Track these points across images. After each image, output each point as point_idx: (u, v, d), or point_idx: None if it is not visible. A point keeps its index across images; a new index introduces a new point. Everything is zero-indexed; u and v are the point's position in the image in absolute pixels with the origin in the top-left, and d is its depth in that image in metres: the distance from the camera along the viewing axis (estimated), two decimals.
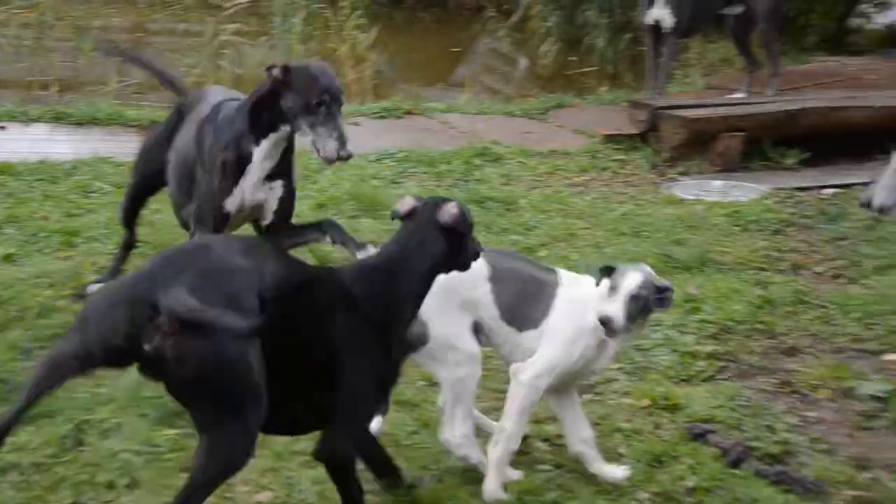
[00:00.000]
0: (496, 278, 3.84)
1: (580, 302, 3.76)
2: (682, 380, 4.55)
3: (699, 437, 4.09)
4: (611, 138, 8.03)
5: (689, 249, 5.86)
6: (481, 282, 3.84)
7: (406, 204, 3.66)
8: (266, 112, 4.40)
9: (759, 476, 3.85)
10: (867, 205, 4.60)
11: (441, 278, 3.69)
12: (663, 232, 6.19)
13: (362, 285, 3.54)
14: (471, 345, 3.79)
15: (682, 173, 7.49)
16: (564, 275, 3.88)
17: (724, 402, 4.33)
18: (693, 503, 3.73)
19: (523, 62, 13.58)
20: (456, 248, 3.70)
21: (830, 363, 4.72)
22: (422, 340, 3.76)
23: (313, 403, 3.41)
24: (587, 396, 4.43)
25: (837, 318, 5.19)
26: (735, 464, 3.93)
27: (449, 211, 3.70)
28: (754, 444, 4.06)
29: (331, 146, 4.28)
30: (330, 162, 4.40)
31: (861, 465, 3.98)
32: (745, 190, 7.03)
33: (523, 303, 3.83)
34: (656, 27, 8.70)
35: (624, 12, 12.51)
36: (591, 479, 3.83)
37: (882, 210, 4.58)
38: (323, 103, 4.26)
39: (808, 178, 7.33)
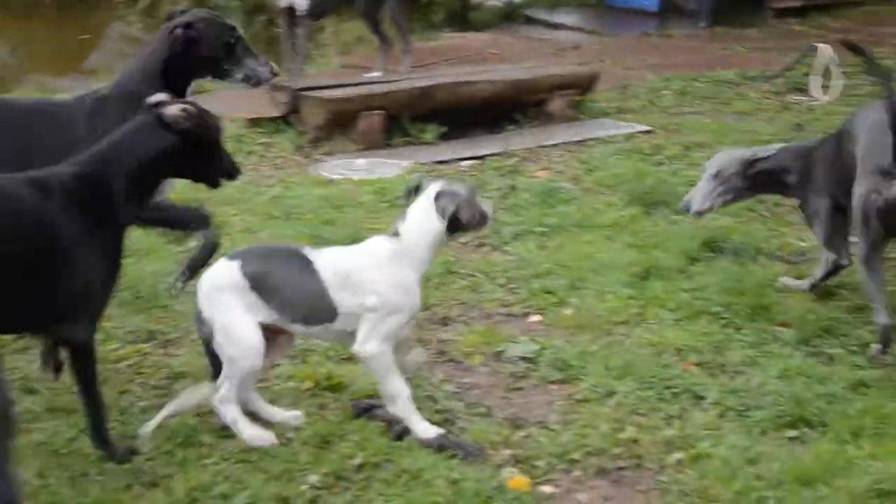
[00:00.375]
0: (258, 287, 3.94)
1: (369, 267, 3.99)
2: (343, 359, 4.61)
3: (364, 413, 4.18)
4: (254, 122, 8.00)
5: (340, 229, 5.94)
6: (245, 293, 3.93)
7: (157, 97, 3.89)
8: (174, 73, 4.57)
9: (422, 446, 3.98)
10: (687, 210, 5.36)
11: (216, 282, 3.92)
12: (313, 213, 6.25)
13: (79, 180, 3.72)
14: (252, 338, 3.93)
15: (328, 153, 7.58)
16: (316, 255, 4.01)
17: None
18: (362, 479, 3.81)
19: None
20: (193, 154, 3.84)
21: (481, 329, 4.93)
22: (213, 337, 3.95)
23: (48, 300, 3.66)
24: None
25: (484, 285, 5.42)
26: (400, 436, 4.03)
27: (170, 108, 3.81)
28: None
29: (263, 69, 4.75)
30: (267, 81, 4.88)
31: (515, 424, 4.19)
32: (389, 166, 7.20)
33: (299, 303, 3.97)
34: (291, 9, 8.74)
35: None
36: (261, 467, 3.85)
37: (698, 214, 5.33)
38: (237, 38, 4.65)
39: (447, 151, 7.59)
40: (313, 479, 3.79)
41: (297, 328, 4.04)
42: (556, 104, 8.29)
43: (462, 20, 13.14)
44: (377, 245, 4.07)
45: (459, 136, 7.89)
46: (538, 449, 4.01)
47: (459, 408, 4.29)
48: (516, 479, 3.82)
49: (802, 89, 9.18)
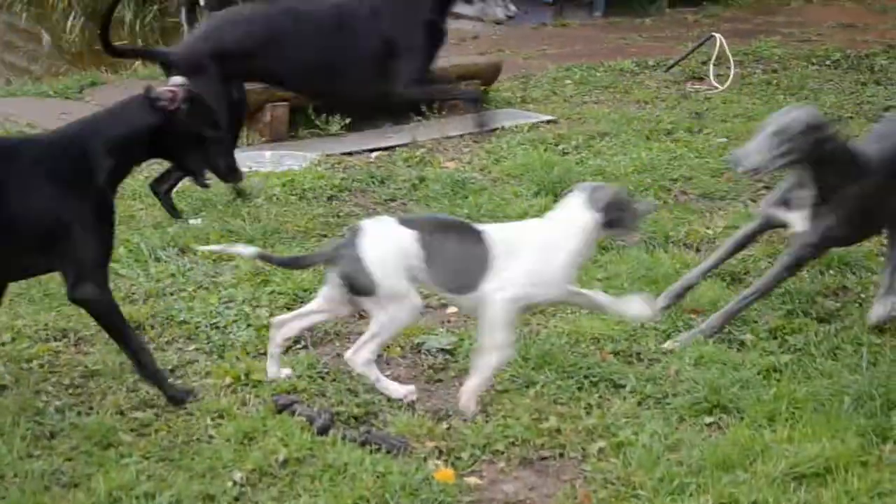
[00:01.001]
0: (430, 255, 4.14)
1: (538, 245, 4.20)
2: (262, 354, 4.57)
3: (285, 408, 4.15)
4: None
5: (252, 222, 5.90)
6: (415, 259, 4.12)
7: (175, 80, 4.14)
8: None
9: (346, 440, 3.96)
10: (735, 167, 4.69)
11: (390, 246, 4.08)
12: (223, 206, 6.18)
13: (54, 145, 3.97)
14: (412, 300, 4.16)
15: None
16: (493, 232, 4.25)
17: (304, 372, 4.42)
18: (287, 475, 3.78)
19: (46, 38, 12.97)
20: (178, 139, 4.00)
21: None
22: (369, 291, 4.11)
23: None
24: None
25: None
26: (322, 431, 4.02)
27: (174, 82, 4.06)
28: (339, 409, 4.18)
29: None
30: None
31: (438, 416, 4.20)
32: (296, 158, 7.15)
33: (460, 272, 4.18)
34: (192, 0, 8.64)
35: None
36: (184, 465, 3.80)
37: (748, 172, 4.70)
38: None
39: (354, 142, 7.56)
40: (238, 476, 3.76)
41: (448, 296, 4.35)
42: None
43: None
44: (537, 226, 4.37)
45: (365, 127, 7.86)
46: (462, 440, 4.02)
47: (381, 401, 4.28)
48: (442, 472, 3.83)
49: (699, 78, 9.34)
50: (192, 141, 4.06)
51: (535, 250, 4.20)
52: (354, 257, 4.11)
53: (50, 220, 3.89)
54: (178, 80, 4.13)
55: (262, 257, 4.45)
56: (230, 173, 4.28)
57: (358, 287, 4.14)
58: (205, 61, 5.76)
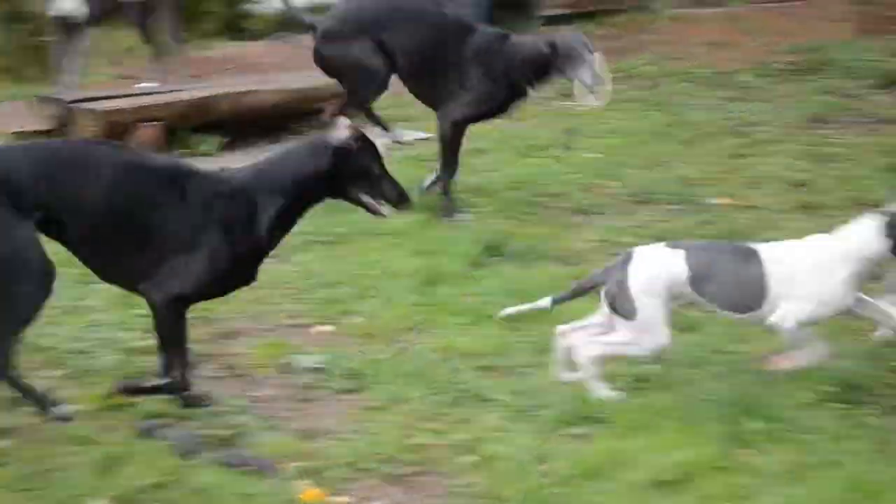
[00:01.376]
0: (697, 279, 4.29)
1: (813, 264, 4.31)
2: (128, 378, 4.50)
3: (150, 433, 4.09)
4: (20, 136, 7.71)
5: None
6: (681, 284, 4.29)
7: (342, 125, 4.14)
8: None
9: (213, 463, 3.92)
10: None
11: (656, 273, 4.25)
12: None
13: (223, 185, 4.09)
14: (661, 336, 4.30)
15: None
16: (765, 249, 4.38)
17: None
18: (152, 501, 3.73)
19: None
20: (351, 174, 4.06)
21: (269, 341, 4.90)
22: (628, 316, 4.28)
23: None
24: (31, 409, 4.28)
25: (272, 297, 5.37)
26: (188, 455, 3.97)
27: (344, 124, 4.08)
28: (206, 431, 4.13)
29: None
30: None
31: (307, 435, 4.18)
32: None
33: (735, 290, 4.33)
34: (64, 18, 8.49)
35: (13, 3, 12.05)
36: (43, 495, 3.72)
37: None
38: None
39: (231, 162, 7.45)
40: (99, 503, 3.69)
41: (721, 313, 4.44)
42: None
43: (235, 29, 12.96)
44: (819, 244, 4.39)
45: (242, 146, 7.81)
46: (330, 459, 4.00)
47: (249, 421, 4.24)
48: (309, 492, 3.81)
49: (569, 95, 9.44)
50: (362, 176, 4.15)
51: (811, 271, 4.31)
52: (621, 281, 4.28)
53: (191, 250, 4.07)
54: (345, 121, 4.19)
55: (557, 301, 4.54)
56: (401, 198, 4.31)
57: (619, 310, 4.30)
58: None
